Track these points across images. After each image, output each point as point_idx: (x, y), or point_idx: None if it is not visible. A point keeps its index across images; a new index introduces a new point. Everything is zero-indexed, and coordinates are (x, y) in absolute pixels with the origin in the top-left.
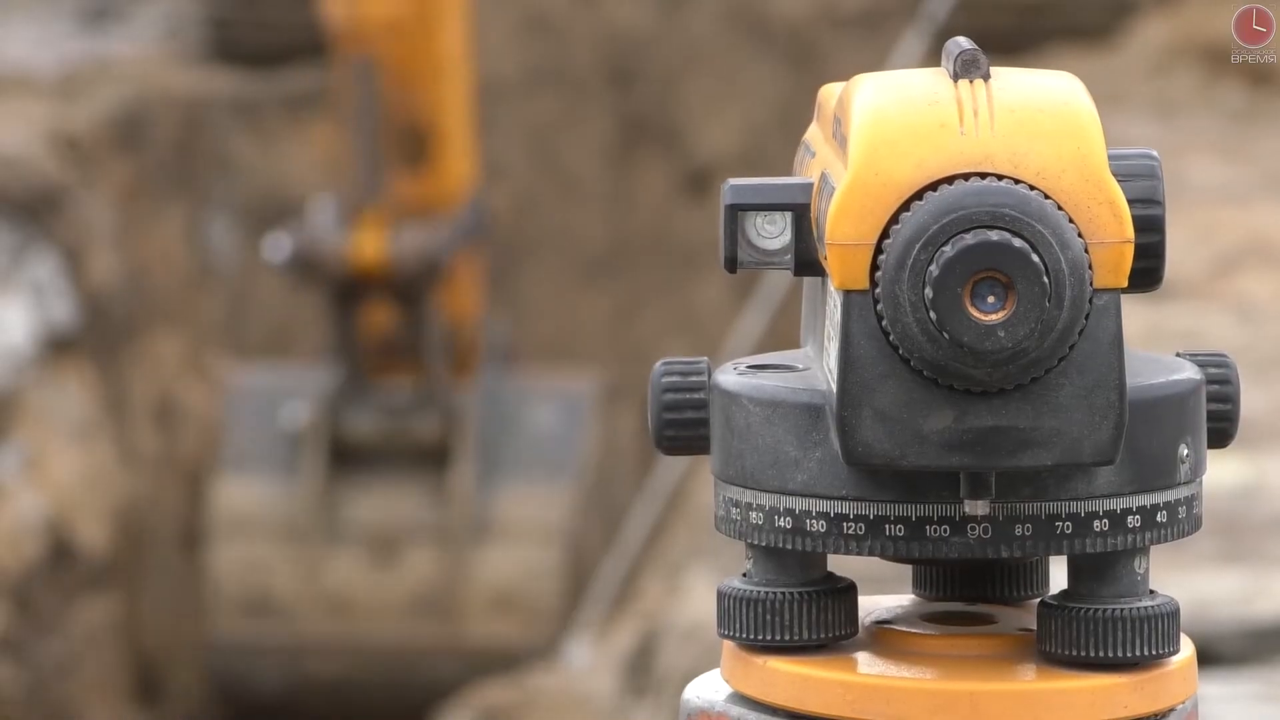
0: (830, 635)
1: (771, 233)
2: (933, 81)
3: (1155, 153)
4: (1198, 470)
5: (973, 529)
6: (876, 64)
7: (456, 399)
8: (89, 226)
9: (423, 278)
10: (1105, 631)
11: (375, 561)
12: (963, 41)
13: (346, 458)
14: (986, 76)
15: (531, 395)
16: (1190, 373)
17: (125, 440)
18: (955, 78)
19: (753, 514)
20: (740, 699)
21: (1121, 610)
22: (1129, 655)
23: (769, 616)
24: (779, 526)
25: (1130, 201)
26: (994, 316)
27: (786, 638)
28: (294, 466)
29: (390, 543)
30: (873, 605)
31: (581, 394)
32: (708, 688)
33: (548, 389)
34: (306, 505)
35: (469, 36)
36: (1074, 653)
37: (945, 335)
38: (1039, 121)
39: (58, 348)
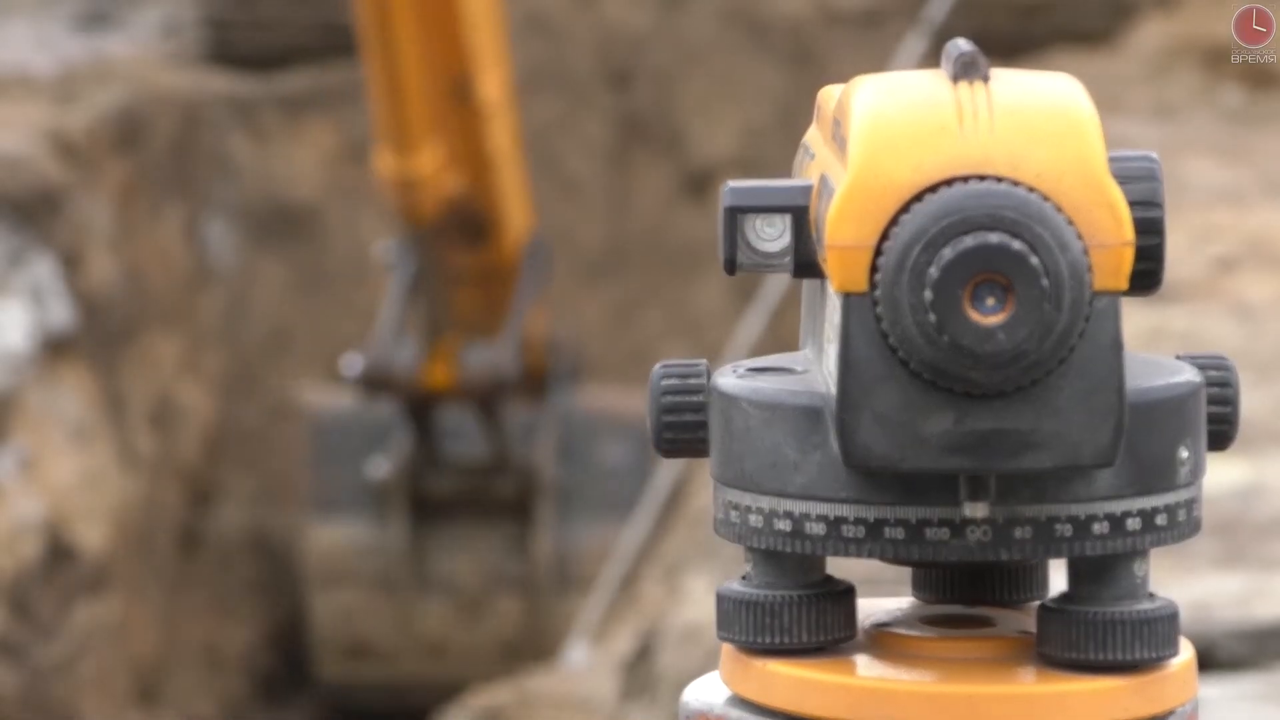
0: (829, 638)
1: (771, 235)
2: (932, 84)
3: (1155, 155)
4: (1197, 473)
5: (972, 532)
6: (876, 65)
7: (532, 458)
8: (87, 228)
9: (492, 394)
10: (1105, 634)
11: (464, 612)
12: (962, 43)
13: (429, 510)
14: (986, 78)
15: (602, 429)
16: (1190, 375)
17: (123, 442)
18: (955, 80)
19: (752, 517)
20: (739, 702)
21: (1121, 613)
22: (1129, 658)
23: (768, 619)
24: (778, 529)
25: (1130, 204)
26: (993, 319)
27: (786, 640)
28: (381, 515)
29: (477, 595)
30: (872, 608)
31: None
32: (707, 690)
33: (616, 420)
34: (395, 558)
35: (509, 76)
36: (1073, 656)
37: (944, 338)
38: (1039, 124)
39: (56, 349)
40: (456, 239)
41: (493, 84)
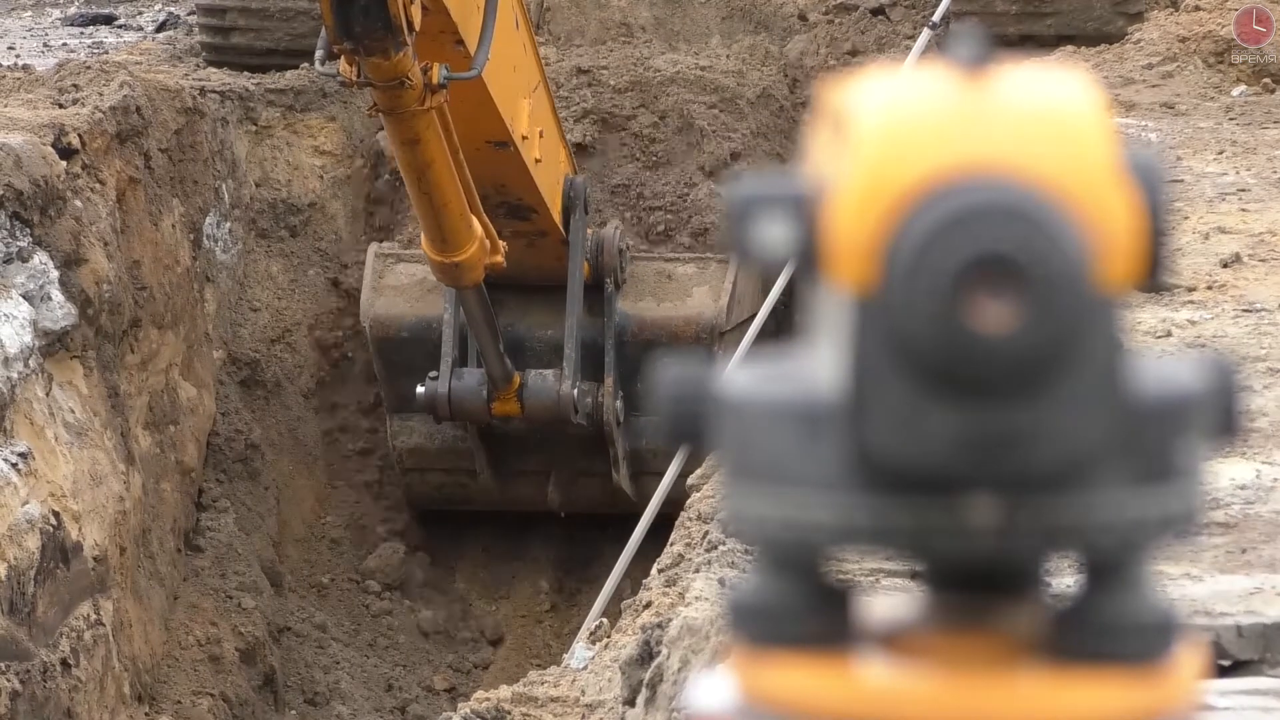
0: (834, 635)
1: (776, 232)
2: (937, 81)
3: (1161, 154)
4: (1202, 471)
5: (978, 529)
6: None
7: (600, 407)
8: (88, 227)
9: (555, 420)
10: (1109, 631)
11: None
12: (968, 41)
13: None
14: (992, 76)
15: (654, 345)
16: (1194, 374)
17: (123, 441)
18: (960, 77)
19: (757, 514)
20: (744, 698)
21: (1126, 610)
22: (1133, 654)
23: (773, 616)
24: (783, 527)
25: (1136, 203)
26: (998, 318)
27: (791, 637)
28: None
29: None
30: (877, 605)
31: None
32: (710, 688)
33: (664, 332)
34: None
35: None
36: (1078, 652)
37: (950, 337)
38: (1044, 122)
39: (56, 348)
40: (504, 216)
41: (525, 115)
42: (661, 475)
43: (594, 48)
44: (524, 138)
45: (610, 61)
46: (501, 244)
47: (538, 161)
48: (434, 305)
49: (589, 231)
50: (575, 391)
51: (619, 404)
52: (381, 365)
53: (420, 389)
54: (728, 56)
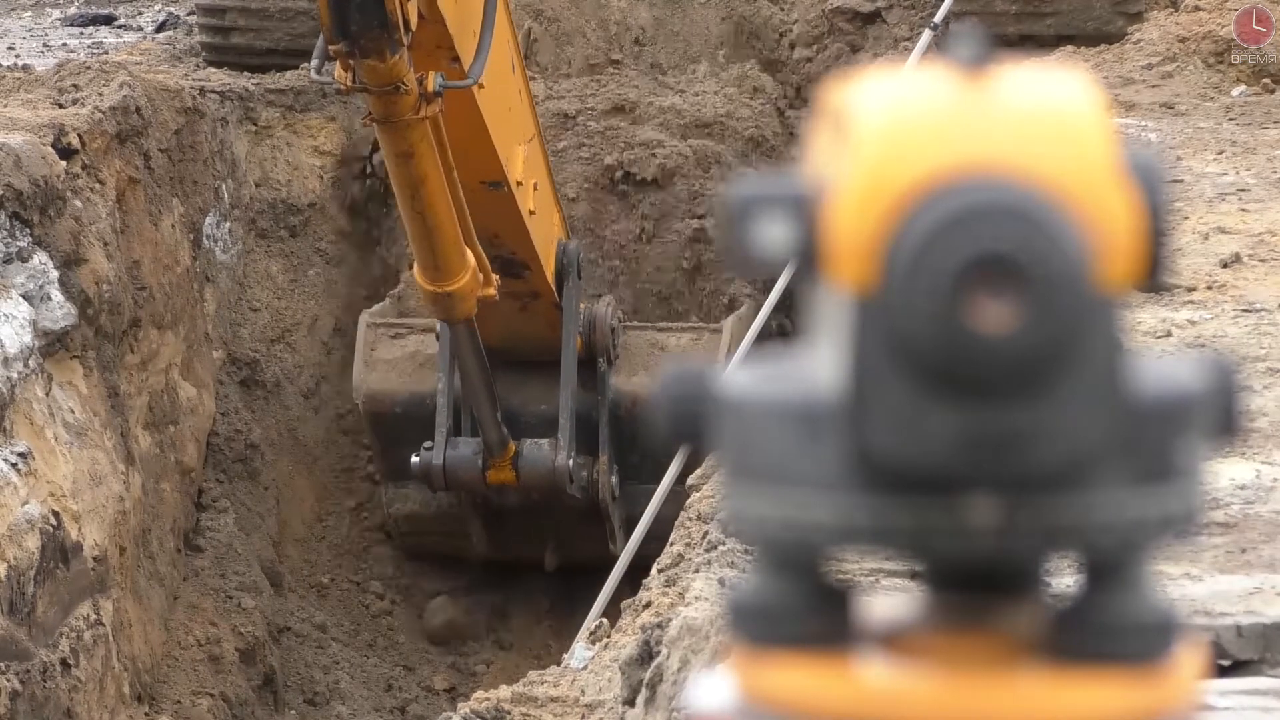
0: (834, 635)
1: (776, 232)
2: (937, 81)
3: (1161, 154)
4: (1201, 471)
5: (978, 529)
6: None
7: (594, 477)
8: (87, 227)
9: (551, 490)
10: (1109, 631)
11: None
12: (968, 41)
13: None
14: (992, 76)
15: (645, 416)
16: (1194, 373)
17: (123, 441)
18: (961, 77)
19: (757, 514)
20: (744, 698)
21: (1126, 610)
22: (1133, 654)
23: (773, 616)
24: (783, 527)
25: (1136, 202)
26: (998, 318)
27: (791, 637)
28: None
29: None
30: (877, 605)
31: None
32: (710, 689)
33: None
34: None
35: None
36: (1078, 652)
37: (950, 337)
38: (1044, 122)
39: (56, 348)
40: (497, 273)
41: (519, 161)
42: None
43: (580, 79)
44: (518, 184)
45: (595, 102)
46: (495, 277)
47: (531, 213)
48: (427, 380)
49: (581, 306)
50: (571, 463)
51: (614, 479)
52: (375, 438)
53: (415, 459)
54: (716, 93)
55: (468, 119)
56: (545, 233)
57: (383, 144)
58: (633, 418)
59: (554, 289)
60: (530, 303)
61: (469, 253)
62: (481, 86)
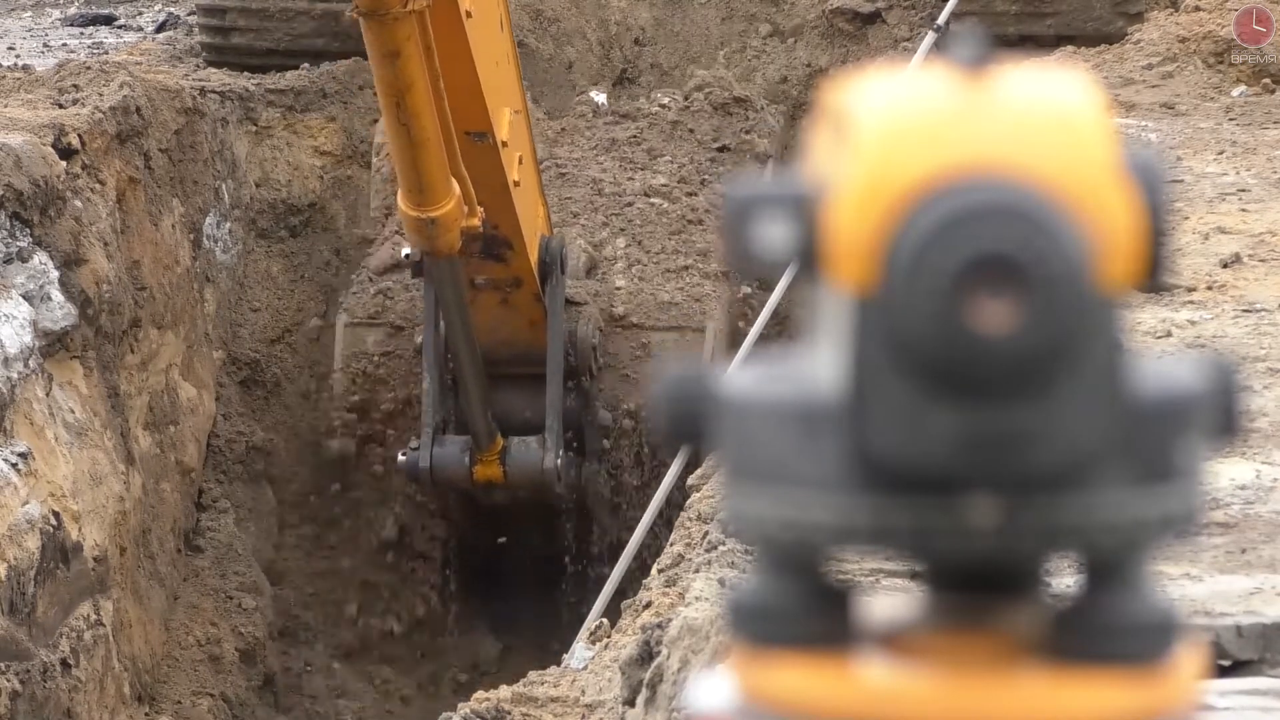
0: (834, 635)
1: (776, 233)
2: (938, 81)
3: (1161, 154)
4: (1201, 471)
5: (978, 529)
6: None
7: (583, 480)
8: (88, 227)
9: (539, 491)
10: (1109, 631)
11: None
12: (969, 41)
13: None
14: (992, 76)
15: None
16: (1194, 374)
17: (123, 441)
18: (961, 77)
19: (757, 514)
20: (744, 698)
21: (1126, 610)
22: (1133, 655)
23: (773, 616)
24: (783, 527)
25: (1136, 203)
26: (998, 318)
27: (791, 637)
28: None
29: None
30: (877, 605)
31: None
32: (710, 689)
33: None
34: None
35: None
36: (1078, 652)
37: (950, 337)
38: (1045, 122)
39: (56, 348)
40: (478, 256)
41: (505, 122)
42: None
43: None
44: (504, 144)
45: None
46: (480, 209)
47: (516, 184)
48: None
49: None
50: (559, 462)
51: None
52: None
53: (401, 457)
54: (697, 171)
55: (455, 49)
56: (529, 211)
57: (369, 44)
58: (618, 427)
59: (536, 279)
60: (512, 293)
61: (454, 182)
62: (470, 15)
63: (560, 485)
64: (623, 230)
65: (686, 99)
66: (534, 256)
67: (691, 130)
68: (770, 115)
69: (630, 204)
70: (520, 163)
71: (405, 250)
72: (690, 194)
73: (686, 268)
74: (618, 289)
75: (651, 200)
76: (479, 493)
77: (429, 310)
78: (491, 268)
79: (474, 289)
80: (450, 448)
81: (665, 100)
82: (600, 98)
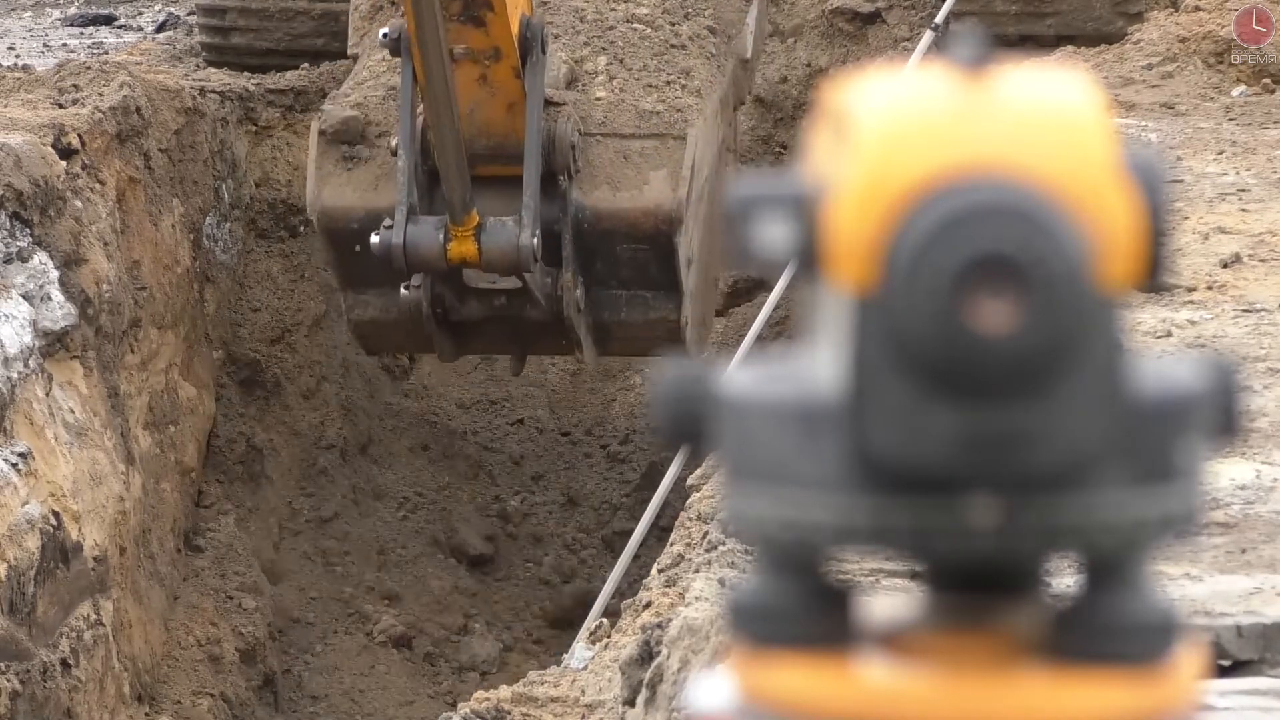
0: (834, 635)
1: (776, 232)
2: (937, 81)
3: (1162, 154)
4: (1202, 471)
5: (978, 529)
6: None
7: (560, 287)
8: (87, 227)
9: (515, 270)
10: (1109, 631)
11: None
12: (969, 41)
13: (464, 332)
14: (992, 76)
15: (614, 231)
16: (1194, 374)
17: (123, 441)
18: (961, 77)
19: (757, 514)
20: (744, 698)
21: (1126, 610)
22: (1133, 655)
23: (773, 616)
24: (783, 527)
25: (1136, 203)
26: (998, 318)
27: (791, 637)
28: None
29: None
30: (877, 605)
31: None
32: (710, 689)
33: (623, 219)
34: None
35: None
36: (1078, 652)
37: (950, 337)
38: (1044, 122)
39: (56, 348)
40: (458, 19)
41: None
42: (627, 342)
43: None
44: None
45: None
46: None
47: None
48: (385, 196)
49: (541, 119)
50: (535, 241)
51: (579, 292)
52: (332, 252)
53: (375, 238)
54: (681, 4)
55: None
56: None
57: None
58: (596, 233)
59: (516, 52)
60: (491, 67)
61: None
62: None
63: (536, 267)
64: (604, 50)
65: None
66: (515, 26)
67: None
68: None
69: (613, 28)
70: None
71: (383, 30)
72: (674, 24)
73: (669, 82)
74: (598, 99)
75: (635, 26)
76: (452, 274)
77: (405, 91)
78: (470, 34)
79: (453, 61)
80: (424, 226)
81: None
82: None
